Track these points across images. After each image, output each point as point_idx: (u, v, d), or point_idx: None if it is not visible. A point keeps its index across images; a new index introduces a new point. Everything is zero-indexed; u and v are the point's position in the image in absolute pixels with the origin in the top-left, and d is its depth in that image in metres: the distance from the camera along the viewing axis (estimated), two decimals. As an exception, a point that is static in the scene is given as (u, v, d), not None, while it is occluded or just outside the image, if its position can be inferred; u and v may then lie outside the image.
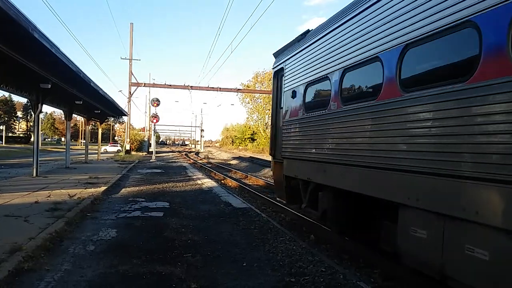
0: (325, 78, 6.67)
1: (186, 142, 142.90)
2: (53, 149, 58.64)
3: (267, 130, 67.92)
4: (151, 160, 31.32)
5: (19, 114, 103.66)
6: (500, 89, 3.27)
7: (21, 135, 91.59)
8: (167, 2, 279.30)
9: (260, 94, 62.24)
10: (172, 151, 63.71)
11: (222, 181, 17.89)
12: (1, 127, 73.62)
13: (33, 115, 16.76)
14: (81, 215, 7.84)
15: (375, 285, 5.08)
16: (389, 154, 4.71)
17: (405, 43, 4.51)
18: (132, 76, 38.62)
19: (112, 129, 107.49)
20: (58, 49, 10.26)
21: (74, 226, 6.97)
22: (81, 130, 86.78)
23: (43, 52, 9.76)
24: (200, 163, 32.14)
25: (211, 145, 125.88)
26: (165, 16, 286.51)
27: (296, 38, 8.71)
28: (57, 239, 5.99)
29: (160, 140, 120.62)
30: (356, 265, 5.91)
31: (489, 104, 3.38)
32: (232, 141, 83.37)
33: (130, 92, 38.32)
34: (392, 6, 4.79)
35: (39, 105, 14.71)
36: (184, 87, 39.50)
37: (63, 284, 4.32)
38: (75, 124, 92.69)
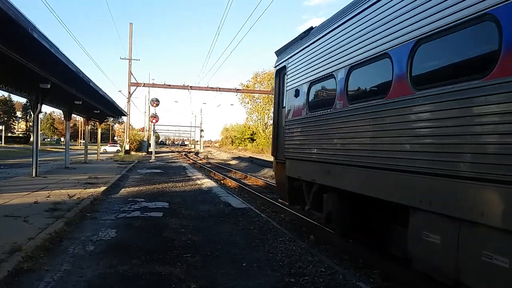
0: (330, 76, 6.47)
1: (186, 142, 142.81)
2: (52, 149, 58.61)
3: (266, 130, 67.98)
4: (150, 160, 31.31)
5: (19, 114, 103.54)
6: None
7: (20, 135, 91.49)
8: (166, 2, 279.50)
9: (260, 94, 62.29)
10: (172, 151, 63.68)
11: (222, 181, 17.88)
12: (1, 127, 73.45)
13: (32, 115, 16.75)
14: (80, 215, 7.84)
15: (375, 285, 5.08)
16: (399, 155, 4.52)
17: (416, 38, 4.31)
18: (131, 76, 38.62)
19: (112, 129, 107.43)
20: (58, 49, 10.25)
21: (73, 226, 6.97)
22: (81, 130, 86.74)
23: (42, 52, 9.76)
24: (200, 163, 32.13)
25: (210, 145, 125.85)
26: (164, 16, 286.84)
27: (299, 35, 8.52)
28: (57, 239, 5.98)
29: (159, 140, 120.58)
30: (355, 265, 5.91)
31: (510, 102, 3.17)
32: (232, 141, 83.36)
33: (129, 92, 38.30)
34: (402, 0, 4.59)
35: (39, 105, 14.71)
36: (184, 87, 39.52)
37: (62, 284, 4.32)
38: (75, 124, 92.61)
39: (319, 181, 6.93)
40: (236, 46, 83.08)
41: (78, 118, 72.81)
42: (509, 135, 3.18)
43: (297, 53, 8.04)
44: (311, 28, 8.12)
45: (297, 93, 7.87)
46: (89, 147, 27.51)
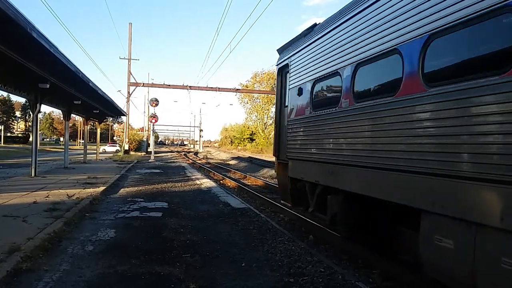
0: (335, 73, 6.26)
1: (185, 142, 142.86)
2: (51, 149, 58.54)
3: (266, 130, 68.02)
4: (150, 160, 31.28)
5: (18, 114, 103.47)
6: None
7: (19, 135, 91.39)
8: (166, 2, 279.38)
9: (259, 94, 62.30)
10: (171, 151, 63.67)
11: (221, 181, 17.88)
12: (0, 127, 73.45)
13: (31, 115, 16.73)
14: (79, 215, 7.83)
15: (374, 285, 5.09)
16: (409, 155, 4.31)
17: (429, 33, 4.10)
18: (130, 76, 38.59)
19: (111, 129, 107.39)
20: (57, 48, 10.25)
21: (72, 226, 6.96)
22: (80, 130, 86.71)
23: (41, 52, 9.75)
24: (199, 163, 32.12)
25: (210, 145, 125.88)
26: (164, 16, 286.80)
27: (302, 32, 8.29)
28: (56, 239, 5.98)
29: (159, 140, 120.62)
30: (355, 265, 5.91)
31: None
32: (231, 141, 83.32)
33: (128, 92, 38.28)
34: None
35: (38, 105, 14.69)
36: (183, 87, 39.51)
37: (61, 285, 4.31)
38: (74, 124, 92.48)
39: (323, 182, 6.73)
40: (236, 46, 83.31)
41: (77, 118, 72.76)
42: None
43: (300, 50, 7.83)
44: (315, 24, 7.91)
45: (300, 92, 7.67)
46: (88, 147, 27.50)
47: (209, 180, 16.43)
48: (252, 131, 73.26)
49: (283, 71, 9.08)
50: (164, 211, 8.97)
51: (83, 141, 31.65)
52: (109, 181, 14.07)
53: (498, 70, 3.28)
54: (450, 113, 3.79)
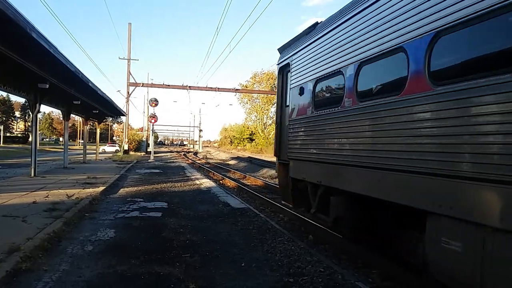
0: (338, 72, 6.17)
1: (185, 142, 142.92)
2: (51, 149, 58.51)
3: (265, 130, 68.03)
4: (149, 160, 31.27)
5: (17, 114, 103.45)
6: None
7: (19, 135, 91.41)
8: (166, 2, 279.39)
9: (259, 94, 62.31)
10: (171, 151, 63.66)
11: (221, 181, 17.88)
12: (-1, 127, 73.47)
13: (31, 115, 16.72)
14: (79, 215, 7.83)
15: (374, 285, 5.09)
16: (415, 155, 4.20)
17: (435, 30, 4.00)
18: (130, 76, 38.58)
19: (110, 129, 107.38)
20: (56, 49, 10.25)
21: (72, 226, 6.96)
22: (79, 130, 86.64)
23: (41, 52, 9.75)
24: (199, 163, 32.12)
25: (209, 145, 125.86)
26: (163, 16, 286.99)
27: (303, 31, 8.17)
28: (55, 239, 5.98)
29: (158, 140, 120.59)
30: (354, 265, 5.92)
31: None
32: (231, 141, 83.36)
33: (128, 92, 38.27)
34: None
35: (37, 105, 14.67)
36: (183, 87, 39.52)
37: (61, 285, 4.31)
38: (73, 124, 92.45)
39: (325, 183, 6.64)
40: (235, 46, 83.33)
41: (77, 118, 72.69)
42: None
43: (301, 49, 7.74)
44: (316, 23, 7.81)
45: (301, 91, 7.59)
46: (88, 147, 27.49)
47: (208, 180, 16.42)
48: (252, 131, 73.27)
49: (284, 70, 9.00)
50: (163, 211, 8.96)
51: (82, 141, 31.68)
52: (108, 181, 14.07)
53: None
54: (459, 112, 3.67)
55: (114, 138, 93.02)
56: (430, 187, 4.02)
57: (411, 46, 4.39)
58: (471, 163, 3.52)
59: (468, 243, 3.58)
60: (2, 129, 75.33)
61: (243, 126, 77.47)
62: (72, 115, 23.86)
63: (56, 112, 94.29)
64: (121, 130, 63.36)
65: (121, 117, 47.76)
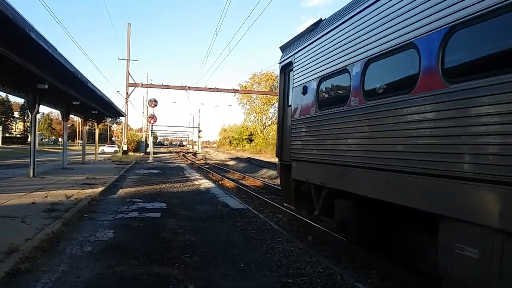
0: (343, 70, 5.96)
1: (184, 143, 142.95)
2: (50, 150, 58.38)
3: (264, 131, 68.06)
4: (148, 161, 31.26)
5: (16, 114, 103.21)
6: None
7: (18, 135, 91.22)
8: (165, 2, 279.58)
9: (258, 95, 62.33)
10: (170, 152, 63.63)
11: (220, 182, 17.87)
12: (-2, 128, 73.40)
13: (30, 116, 16.71)
14: (78, 216, 7.82)
15: (373, 285, 5.09)
16: (427, 156, 4.01)
17: (450, 24, 3.79)
18: (129, 76, 38.61)
19: (110, 129, 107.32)
20: (55, 49, 10.25)
21: (71, 227, 6.95)
22: (78, 131, 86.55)
23: (40, 53, 9.74)
24: (198, 163, 32.11)
25: (208, 145, 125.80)
26: (163, 16, 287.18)
27: (307, 28, 7.96)
28: (54, 240, 5.97)
29: (157, 141, 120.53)
30: (353, 266, 5.92)
31: None
32: (230, 142, 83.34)
33: (127, 93, 38.30)
34: None
35: (36, 105, 14.66)
36: (182, 87, 39.57)
37: (60, 285, 4.31)
38: (72, 125, 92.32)
39: (330, 184, 6.43)
40: (234, 47, 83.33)
41: (76, 119, 72.61)
42: None
43: (305, 47, 7.54)
44: (321, 20, 7.62)
45: (304, 90, 7.38)
46: (87, 147, 27.49)
47: (207, 181, 16.42)
48: (251, 132, 73.29)
49: (286, 69, 8.82)
50: (162, 211, 8.96)
51: (81, 142, 31.64)
52: (107, 181, 14.05)
53: None
54: (476, 111, 3.48)
55: (113, 138, 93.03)
56: (442, 190, 3.83)
57: (423, 42, 4.19)
58: (486, 165, 3.30)
59: (484, 249, 3.40)
60: (1, 129, 75.25)
61: (242, 127, 77.49)
62: (71, 116, 23.86)
63: (55, 113, 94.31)
64: (120, 130, 63.36)
65: (120, 117, 47.68)
